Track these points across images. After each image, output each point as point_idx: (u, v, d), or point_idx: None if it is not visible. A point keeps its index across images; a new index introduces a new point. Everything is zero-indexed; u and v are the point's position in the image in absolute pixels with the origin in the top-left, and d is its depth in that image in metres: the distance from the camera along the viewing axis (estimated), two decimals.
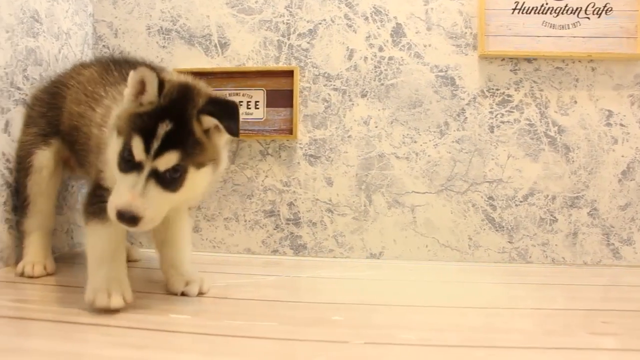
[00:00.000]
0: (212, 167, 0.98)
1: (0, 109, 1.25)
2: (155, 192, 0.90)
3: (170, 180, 0.91)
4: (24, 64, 1.33)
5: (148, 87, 0.94)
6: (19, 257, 1.24)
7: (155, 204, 0.90)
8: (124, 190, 0.90)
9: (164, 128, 0.90)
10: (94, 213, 1.02)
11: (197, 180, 0.95)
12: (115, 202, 0.90)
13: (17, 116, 1.30)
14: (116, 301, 0.94)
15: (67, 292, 1.06)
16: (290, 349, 0.79)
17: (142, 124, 0.92)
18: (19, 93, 1.31)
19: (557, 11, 1.48)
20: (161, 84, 0.94)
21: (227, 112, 0.95)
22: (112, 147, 0.95)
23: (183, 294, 1.06)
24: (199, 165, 0.95)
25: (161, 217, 0.93)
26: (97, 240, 1.01)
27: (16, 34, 1.30)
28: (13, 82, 1.29)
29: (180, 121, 0.92)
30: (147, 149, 0.90)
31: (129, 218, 0.88)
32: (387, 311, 1.01)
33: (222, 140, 1.00)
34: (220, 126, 0.94)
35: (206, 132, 0.96)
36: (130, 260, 1.34)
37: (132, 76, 0.95)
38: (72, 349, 0.76)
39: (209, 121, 0.95)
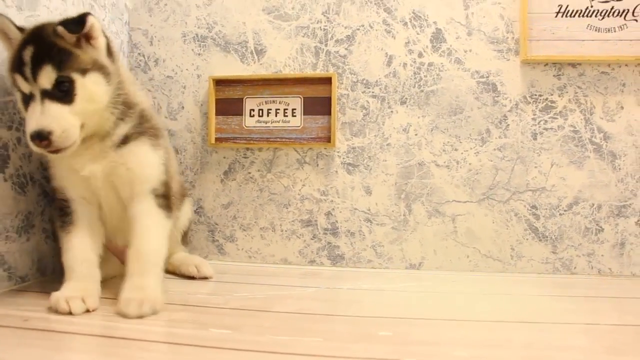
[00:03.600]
0: (102, 74, 1.03)
1: None
2: (53, 107, 0.96)
3: (62, 94, 0.97)
4: None
5: (6, 30, 1.02)
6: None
7: (58, 117, 0.96)
8: (29, 119, 0.97)
9: (27, 53, 0.97)
10: (59, 226, 1.09)
11: (89, 86, 1.00)
12: (27, 131, 0.96)
13: None
14: (76, 307, 0.98)
15: (107, 305, 1.04)
16: None
17: (12, 63, 1.00)
18: None
19: (602, 14, 1.43)
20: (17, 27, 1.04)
21: (70, 18, 1.01)
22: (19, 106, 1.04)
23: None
24: (82, 71, 0.99)
25: (74, 131, 0.98)
26: (65, 251, 1.06)
27: None
28: None
29: (41, 41, 0.98)
30: (26, 78, 0.97)
31: (42, 137, 0.94)
32: (434, 325, 0.97)
33: (97, 49, 1.04)
34: (63, 29, 0.99)
35: (77, 44, 1.01)
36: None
37: None
38: None
39: (64, 31, 0.99)
